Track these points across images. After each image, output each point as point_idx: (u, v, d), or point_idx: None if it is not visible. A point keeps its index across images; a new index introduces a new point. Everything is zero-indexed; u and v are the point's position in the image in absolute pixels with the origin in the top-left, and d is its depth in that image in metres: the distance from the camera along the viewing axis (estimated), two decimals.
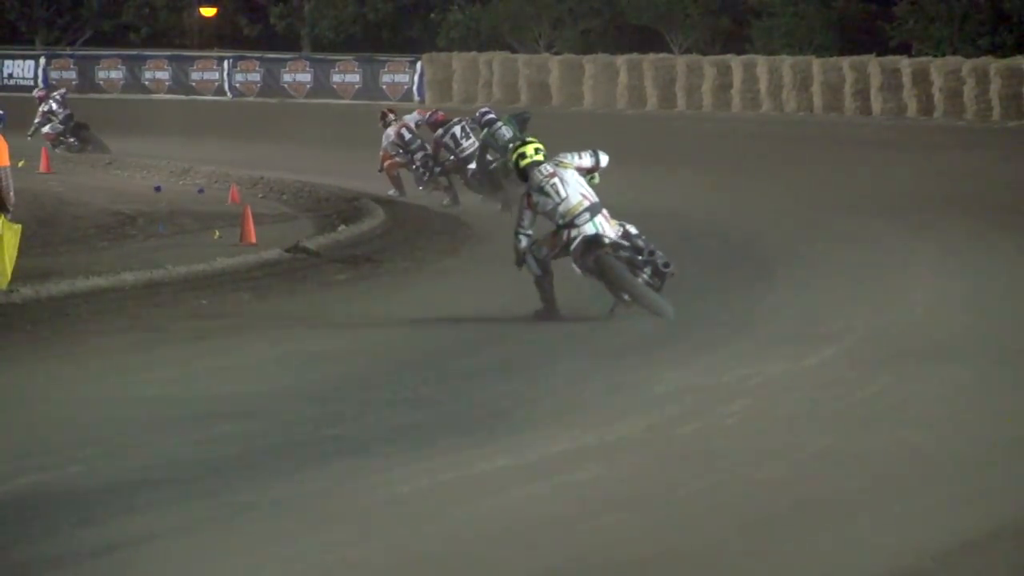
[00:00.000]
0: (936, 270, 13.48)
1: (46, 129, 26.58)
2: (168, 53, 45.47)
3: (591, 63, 39.75)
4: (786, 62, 37.45)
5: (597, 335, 10.33)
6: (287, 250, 14.00)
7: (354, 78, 42.47)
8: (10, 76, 44.23)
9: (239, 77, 43.64)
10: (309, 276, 13.19)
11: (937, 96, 35.06)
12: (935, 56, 37.03)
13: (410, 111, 21.05)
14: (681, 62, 39.17)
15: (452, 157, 18.81)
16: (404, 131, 19.42)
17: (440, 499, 6.13)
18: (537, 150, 10.60)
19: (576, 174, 10.50)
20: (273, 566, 5.28)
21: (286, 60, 44.02)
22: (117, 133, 28.28)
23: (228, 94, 43.34)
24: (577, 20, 44.20)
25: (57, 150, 25.59)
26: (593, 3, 44.01)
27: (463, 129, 18.77)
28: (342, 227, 16.01)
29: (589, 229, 10.28)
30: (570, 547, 5.50)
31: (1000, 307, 11.54)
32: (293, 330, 10.72)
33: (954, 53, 37.34)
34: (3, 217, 10.83)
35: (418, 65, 41.66)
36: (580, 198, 10.36)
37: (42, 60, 45.20)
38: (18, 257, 11.09)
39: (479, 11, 45.47)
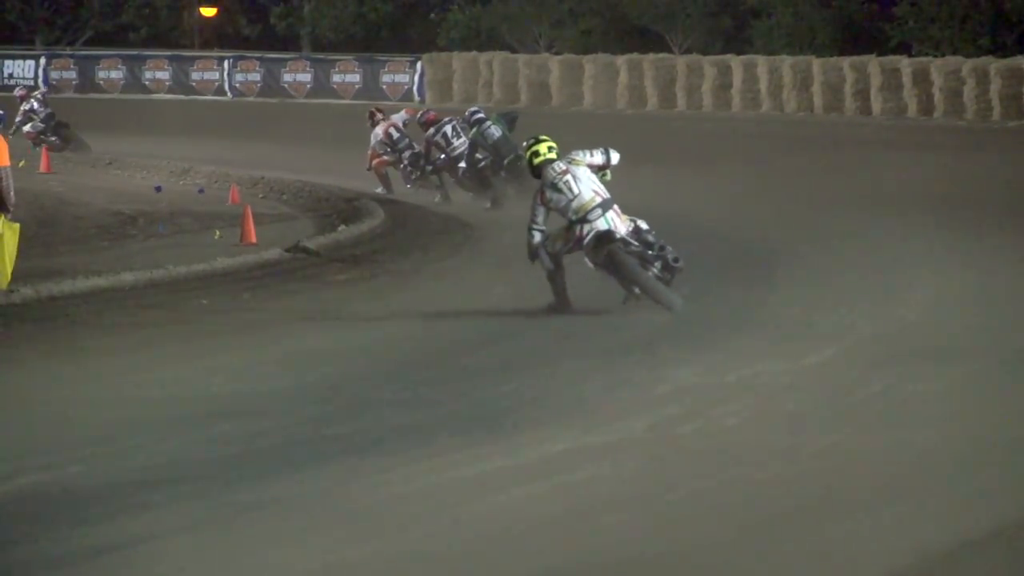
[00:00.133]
0: (936, 270, 13.47)
1: (27, 128, 26.60)
2: (168, 53, 45.49)
3: (591, 63, 39.77)
4: (786, 62, 37.47)
5: (597, 335, 10.34)
6: (287, 250, 14.00)
7: (354, 78, 42.49)
8: (10, 76, 44.21)
9: (239, 77, 43.65)
10: (309, 276, 13.19)
11: (937, 96, 35.07)
12: (935, 56, 37.05)
13: (398, 110, 21.38)
14: (681, 62, 39.18)
15: (443, 156, 19.06)
16: (392, 130, 19.77)
17: (440, 499, 6.12)
18: (550, 148, 10.93)
19: (588, 171, 10.79)
20: (273, 566, 5.28)
21: (286, 60, 44.04)
22: (117, 133, 28.30)
23: (228, 94, 43.36)
24: (577, 20, 44.22)
25: (38, 149, 25.59)
26: (593, 3, 44.03)
27: (454, 128, 19.04)
28: (342, 227, 16.02)
29: (601, 224, 10.54)
30: (570, 547, 5.50)
31: (1000, 307, 11.53)
32: (293, 330, 10.72)
33: (954, 53, 37.36)
34: (3, 217, 10.83)
35: (418, 65, 41.68)
36: (592, 194, 10.62)
37: (42, 60, 45.22)
38: (18, 257, 11.10)
39: (479, 11, 45.47)
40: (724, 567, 5.35)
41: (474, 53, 41.87)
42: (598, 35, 43.85)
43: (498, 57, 41.22)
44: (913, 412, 8.04)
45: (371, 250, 14.79)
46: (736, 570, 5.33)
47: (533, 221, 10.72)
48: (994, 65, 34.64)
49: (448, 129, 19.02)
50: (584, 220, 10.52)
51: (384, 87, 42.08)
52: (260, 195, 20.34)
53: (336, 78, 42.86)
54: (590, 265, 10.70)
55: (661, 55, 40.16)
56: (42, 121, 26.74)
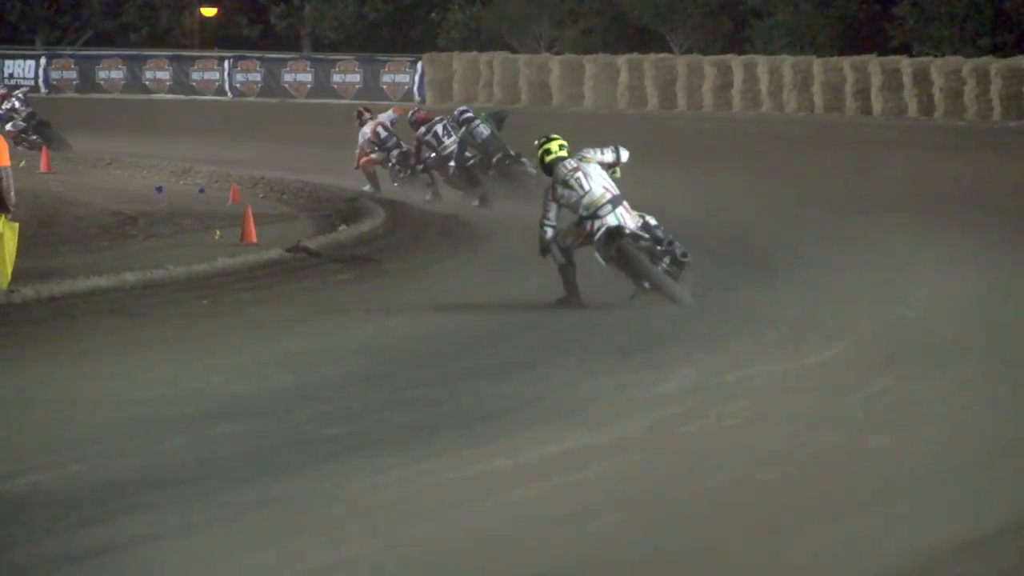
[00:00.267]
0: (937, 270, 13.47)
1: (8, 127, 26.56)
2: (169, 53, 45.50)
3: (592, 63, 39.77)
4: (787, 62, 37.46)
5: (598, 335, 10.34)
6: (288, 250, 14.00)
7: (355, 78, 42.48)
8: (10, 76, 44.21)
9: (240, 77, 43.66)
10: (309, 276, 13.19)
11: (938, 96, 35.07)
12: (935, 56, 37.03)
13: (385, 110, 21.76)
14: (682, 62, 39.17)
15: (433, 154, 19.30)
16: (380, 129, 20.13)
17: (440, 499, 6.12)
18: (561, 146, 11.26)
19: (599, 168, 11.11)
20: (273, 566, 5.28)
21: (287, 60, 44.04)
22: (117, 133, 28.30)
23: (229, 94, 43.36)
24: (578, 20, 44.21)
25: (19, 148, 25.55)
26: (594, 3, 44.03)
27: (444, 127, 19.41)
28: (342, 227, 16.01)
29: (611, 220, 10.86)
30: (570, 547, 5.49)
31: (1001, 306, 11.53)
32: (293, 330, 10.72)
33: (955, 53, 37.34)
34: (3, 217, 10.83)
35: (419, 65, 41.68)
36: (603, 191, 10.95)
37: (43, 60, 45.23)
38: (18, 257, 11.09)
39: (480, 11, 45.47)
40: (724, 567, 5.35)
41: (474, 53, 41.87)
42: (598, 35, 43.84)
43: (498, 57, 41.22)
44: (914, 412, 8.04)
45: (371, 250, 14.79)
46: (736, 570, 5.33)
47: (545, 217, 10.91)
48: (995, 65, 34.64)
49: (439, 128, 19.37)
50: (595, 216, 10.74)
51: (384, 87, 42.08)
52: (260, 195, 20.35)
53: (336, 78, 42.86)
54: (600, 260, 10.87)
55: (661, 55, 40.16)
56: (23, 120, 26.77)
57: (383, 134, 20.12)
